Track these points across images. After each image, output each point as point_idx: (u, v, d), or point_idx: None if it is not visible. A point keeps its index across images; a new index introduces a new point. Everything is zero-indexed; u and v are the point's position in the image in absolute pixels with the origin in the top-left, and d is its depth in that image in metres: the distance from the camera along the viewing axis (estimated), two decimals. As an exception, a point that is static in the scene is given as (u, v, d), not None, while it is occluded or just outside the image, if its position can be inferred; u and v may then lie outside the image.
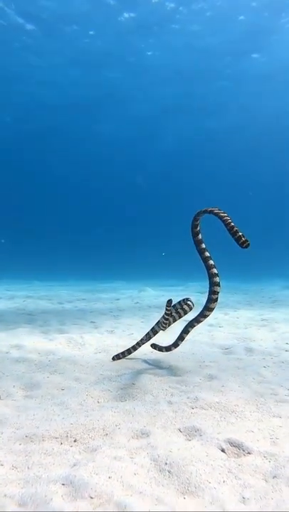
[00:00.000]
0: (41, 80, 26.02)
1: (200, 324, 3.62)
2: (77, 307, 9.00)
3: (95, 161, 42.30)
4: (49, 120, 31.76)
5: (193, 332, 3.78)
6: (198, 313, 3.50)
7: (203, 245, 3.30)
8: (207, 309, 3.38)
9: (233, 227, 2.75)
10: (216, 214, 2.98)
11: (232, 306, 8.83)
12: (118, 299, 10.72)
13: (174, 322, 3.78)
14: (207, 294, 3.35)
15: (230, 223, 2.79)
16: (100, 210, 50.13)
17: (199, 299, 7.57)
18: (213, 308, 3.37)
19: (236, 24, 21.72)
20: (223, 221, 2.86)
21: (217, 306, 3.40)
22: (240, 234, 2.69)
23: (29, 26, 21.21)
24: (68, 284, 16.50)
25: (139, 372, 3.73)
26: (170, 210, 44.22)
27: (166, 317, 3.58)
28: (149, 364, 4.09)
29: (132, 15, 21.15)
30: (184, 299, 3.79)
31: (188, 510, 1.69)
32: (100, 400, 3.06)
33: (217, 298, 3.29)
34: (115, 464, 2.02)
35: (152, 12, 20.78)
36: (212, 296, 3.27)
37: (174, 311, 3.69)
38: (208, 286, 3.32)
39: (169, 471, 1.97)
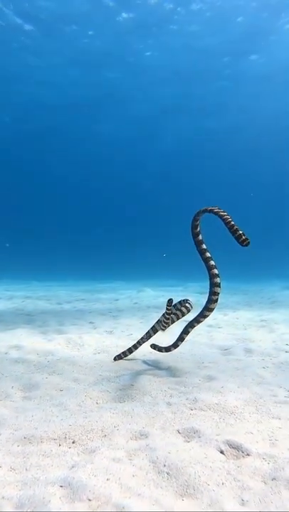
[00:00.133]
0: (40, 80, 26.00)
1: (199, 325, 3.62)
2: (76, 307, 8.99)
3: (94, 161, 42.28)
4: (48, 120, 31.74)
5: (193, 333, 3.77)
6: (197, 313, 3.50)
7: (204, 246, 3.30)
8: (207, 309, 3.37)
9: (233, 225, 2.76)
10: (216, 213, 2.98)
11: (231, 307, 8.83)
12: (117, 300, 10.71)
13: (172, 323, 3.78)
14: (207, 294, 3.34)
15: (230, 222, 2.79)
16: (99, 210, 50.14)
17: (199, 300, 7.56)
18: (213, 309, 3.36)
19: (235, 25, 21.72)
20: (223, 220, 2.86)
21: (216, 306, 3.39)
22: (241, 232, 2.70)
23: (28, 26, 21.20)
24: (67, 285, 16.49)
25: (138, 373, 3.72)
26: (169, 210, 44.25)
27: (167, 316, 3.57)
28: (148, 365, 4.09)
29: (130, 15, 21.15)
30: (182, 300, 3.79)
31: (187, 513, 1.69)
32: (98, 401, 3.05)
33: (217, 299, 3.29)
34: (114, 466, 2.01)
35: (151, 12, 20.77)
36: (212, 296, 3.27)
37: (174, 310, 3.69)
38: (208, 286, 3.31)
39: (167, 473, 1.96)
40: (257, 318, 7.33)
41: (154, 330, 3.94)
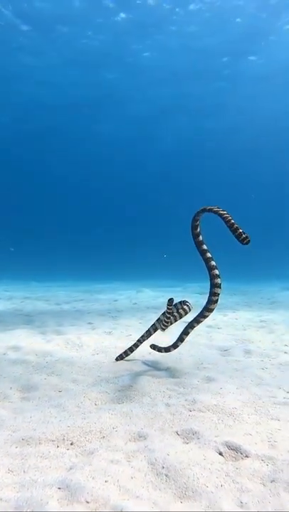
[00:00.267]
0: (39, 80, 25.99)
1: (199, 325, 3.61)
2: (75, 308, 8.97)
3: (93, 161, 42.27)
4: (47, 120, 31.73)
5: (192, 333, 3.76)
6: (197, 313, 3.49)
7: (205, 246, 3.29)
8: (207, 310, 3.36)
9: (233, 224, 2.77)
10: (216, 212, 2.98)
11: (231, 307, 8.82)
12: (116, 300, 10.69)
13: (171, 324, 3.77)
14: (207, 295, 3.33)
15: (230, 220, 2.81)
16: (98, 210, 50.13)
17: (198, 300, 7.54)
18: (213, 309, 3.36)
19: (234, 25, 21.72)
20: (223, 218, 2.87)
21: (216, 307, 3.38)
22: (241, 231, 2.71)
23: (26, 27, 21.21)
24: (66, 285, 16.46)
25: (137, 374, 3.71)
26: (169, 211, 44.26)
27: (168, 316, 3.56)
28: (147, 366, 4.08)
29: (129, 16, 21.16)
30: (181, 302, 3.78)
31: (185, 515, 1.68)
32: (97, 402, 3.04)
33: (217, 299, 3.28)
34: (112, 468, 2.01)
35: (149, 13, 20.78)
36: (212, 297, 3.26)
37: (175, 310, 3.68)
38: (207, 287, 3.30)
39: (166, 475, 1.95)
40: (256, 318, 7.33)
41: (154, 328, 3.94)
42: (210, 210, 3.07)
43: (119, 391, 3.27)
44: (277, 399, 3.04)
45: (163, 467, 2.01)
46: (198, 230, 3.32)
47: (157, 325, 3.89)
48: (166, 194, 46.27)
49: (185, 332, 3.70)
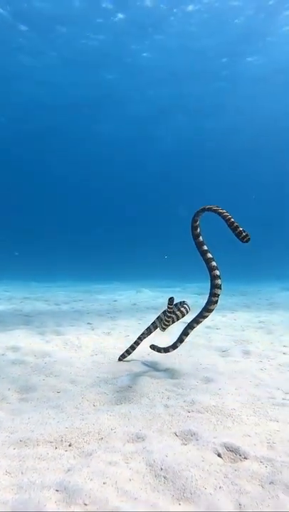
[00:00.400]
0: (38, 81, 26.01)
1: (198, 326, 3.60)
2: (74, 308, 8.96)
3: (93, 161, 42.30)
4: (47, 120, 31.75)
5: (191, 334, 3.75)
6: (196, 314, 3.48)
7: (205, 247, 3.28)
8: (206, 310, 3.36)
9: (233, 222, 2.78)
10: (215, 211, 2.99)
11: (230, 308, 8.81)
12: (115, 300, 10.69)
13: (171, 324, 3.76)
14: (206, 295, 3.32)
15: (230, 219, 2.81)
16: (97, 210, 50.13)
17: (197, 301, 7.53)
18: (213, 310, 3.35)
19: (232, 26, 21.77)
20: (223, 217, 2.87)
21: (216, 307, 3.37)
22: (241, 229, 2.72)
23: (25, 27, 21.22)
24: (65, 285, 16.46)
25: (135, 375, 3.70)
26: (168, 211, 44.26)
27: (169, 315, 3.54)
28: (146, 366, 4.07)
29: (126, 16, 21.18)
30: (180, 303, 3.77)
31: (183, 517, 1.67)
32: (95, 403, 3.03)
33: (217, 300, 3.27)
34: (110, 469, 2.00)
35: (147, 13, 20.81)
36: (212, 298, 3.25)
37: (176, 309, 3.68)
38: (206, 287, 3.29)
39: (164, 477, 1.94)
40: (255, 319, 7.33)
41: (154, 326, 3.93)
42: (209, 209, 3.07)
43: (117, 392, 3.26)
44: (276, 400, 3.03)
45: (161, 469, 2.00)
46: (199, 230, 3.31)
47: (157, 323, 3.88)
48: (166, 194, 46.31)
49: (184, 333, 3.69)
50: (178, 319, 3.71)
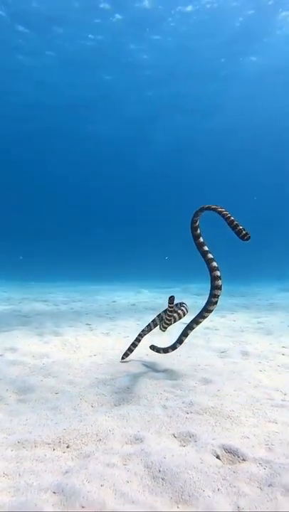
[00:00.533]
0: (36, 81, 26.01)
1: (198, 326, 3.59)
2: (73, 309, 8.95)
3: (91, 161, 42.29)
4: (44, 120, 31.75)
5: (190, 335, 3.74)
6: (196, 314, 3.46)
7: (206, 247, 3.27)
8: (206, 311, 3.34)
9: (233, 221, 2.78)
10: (214, 209, 2.98)
11: (229, 309, 8.80)
12: (114, 301, 10.67)
13: (171, 324, 3.75)
14: (205, 296, 3.31)
15: (229, 217, 2.81)
16: (96, 210, 50.10)
17: (196, 301, 7.53)
18: (212, 311, 3.34)
19: (230, 27, 21.81)
20: (222, 215, 2.86)
21: (215, 308, 3.36)
22: (241, 227, 2.71)
23: (22, 28, 21.23)
24: (64, 285, 16.43)
25: (134, 376, 3.69)
26: (167, 211, 44.26)
27: (170, 314, 3.53)
28: (145, 367, 4.06)
29: (124, 17, 21.21)
30: (178, 304, 3.76)
31: (181, 520, 1.66)
32: (93, 405, 3.02)
33: (217, 301, 3.26)
34: (108, 471, 1.99)
35: (145, 14, 20.84)
36: (212, 299, 3.24)
37: (176, 308, 3.67)
38: (206, 288, 3.28)
39: (162, 479, 1.93)
40: (254, 320, 7.32)
41: (154, 323, 3.92)
42: (208, 209, 3.07)
43: (116, 393, 3.25)
44: (274, 401, 3.02)
45: (159, 471, 1.99)
46: (199, 231, 3.30)
47: (157, 321, 3.87)
48: (165, 194, 46.32)
49: (184, 334, 3.68)
50: (175, 321, 3.70)
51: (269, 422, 2.64)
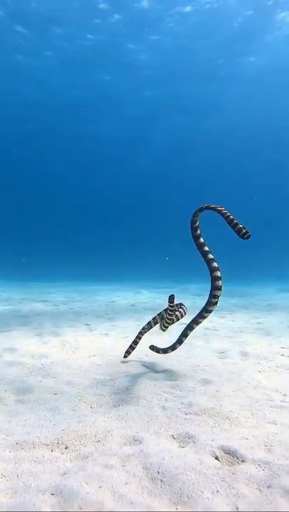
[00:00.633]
0: (35, 81, 26.01)
1: (197, 327, 3.58)
2: (72, 309, 8.94)
3: (90, 161, 42.30)
4: (44, 121, 31.76)
5: (189, 335, 3.73)
6: (196, 314, 3.46)
7: (207, 248, 3.26)
8: (206, 311, 3.34)
9: (232, 219, 2.77)
10: (213, 208, 2.98)
11: (228, 309, 8.80)
12: (113, 301, 10.66)
13: (171, 324, 3.74)
14: (204, 297, 3.30)
15: (229, 216, 2.81)
16: (95, 211, 50.09)
17: (195, 302, 7.52)
18: (212, 311, 3.33)
19: (229, 27, 21.84)
20: (222, 214, 2.86)
21: (215, 308, 3.35)
22: (241, 226, 2.71)
23: (21, 28, 21.23)
24: (64, 286, 16.41)
25: (133, 377, 3.68)
26: (166, 211, 44.27)
27: (170, 313, 3.52)
28: (144, 368, 4.05)
29: (123, 17, 21.22)
30: (177, 304, 3.76)
31: (180, 522, 1.65)
32: (92, 405, 3.01)
33: (217, 301, 3.26)
34: (106, 473, 1.98)
35: (144, 14, 20.85)
36: (212, 299, 3.23)
37: (176, 308, 3.66)
38: (205, 288, 3.27)
39: (161, 480, 1.93)
40: (253, 321, 7.31)
41: (154, 321, 3.91)
42: (207, 208, 3.06)
43: (115, 394, 3.24)
44: (274, 402, 3.02)
45: (158, 472, 1.98)
46: (199, 231, 3.29)
47: (158, 319, 3.86)
48: (164, 194, 46.32)
49: (184, 334, 3.67)
50: (175, 321, 3.69)
51: (268, 423, 2.64)
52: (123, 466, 2.08)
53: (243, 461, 2.12)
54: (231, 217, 2.79)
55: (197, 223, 3.27)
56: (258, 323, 7.03)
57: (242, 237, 2.70)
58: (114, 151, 40.14)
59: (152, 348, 4.09)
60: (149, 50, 24.27)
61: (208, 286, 3.23)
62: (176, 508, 1.74)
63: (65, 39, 22.49)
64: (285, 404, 2.96)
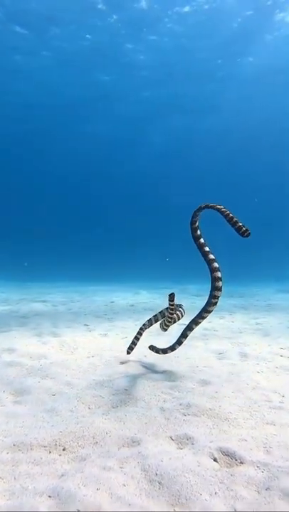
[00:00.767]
0: (33, 81, 26.00)
1: (197, 327, 3.57)
2: (71, 309, 8.92)
3: (90, 161, 42.29)
4: (42, 120, 31.76)
5: (189, 336, 3.72)
6: (195, 315, 3.44)
7: (207, 248, 3.24)
8: (205, 311, 3.33)
9: (232, 217, 2.77)
10: (213, 207, 2.98)
11: (227, 310, 8.79)
12: (112, 302, 10.65)
13: (172, 324, 3.73)
14: (203, 297, 3.29)
15: (228, 214, 2.81)
16: (95, 211, 50.08)
17: (194, 302, 7.51)
18: (211, 311, 3.32)
19: (227, 27, 21.85)
20: (221, 213, 2.86)
21: (215, 309, 3.34)
22: (240, 224, 2.72)
23: (19, 28, 21.23)
24: (63, 286, 16.40)
25: (132, 377, 3.67)
26: (165, 212, 44.27)
27: (171, 312, 3.50)
28: (143, 368, 4.04)
29: (121, 17, 21.22)
30: (176, 305, 3.75)
31: (178, 524, 1.64)
32: (91, 406, 3.00)
33: (217, 302, 3.24)
34: (104, 475, 1.97)
35: (142, 15, 20.86)
36: (212, 300, 3.22)
37: (176, 307, 3.64)
38: (205, 289, 3.26)
39: (159, 482, 1.92)
40: (252, 321, 7.30)
41: (155, 318, 3.89)
42: (207, 207, 3.06)
43: (113, 395, 3.23)
44: (272, 403, 3.01)
45: (156, 474, 1.97)
46: (199, 231, 3.28)
47: (159, 316, 3.85)
48: (163, 194, 46.33)
49: (183, 335, 3.66)
50: (176, 320, 3.68)
51: (267, 424, 2.63)
52: (121, 467, 2.07)
53: (241, 462, 2.12)
54: (231, 215, 2.79)
55: (197, 223, 3.26)
56: (257, 323, 7.02)
57: (242, 235, 2.70)
58: (112, 151, 40.17)
59: (152, 348, 4.07)
60: (147, 50, 24.28)
61: (208, 287, 3.22)
62: (174, 510, 1.73)
63: (64, 39, 22.50)
64: (283, 405, 2.96)
